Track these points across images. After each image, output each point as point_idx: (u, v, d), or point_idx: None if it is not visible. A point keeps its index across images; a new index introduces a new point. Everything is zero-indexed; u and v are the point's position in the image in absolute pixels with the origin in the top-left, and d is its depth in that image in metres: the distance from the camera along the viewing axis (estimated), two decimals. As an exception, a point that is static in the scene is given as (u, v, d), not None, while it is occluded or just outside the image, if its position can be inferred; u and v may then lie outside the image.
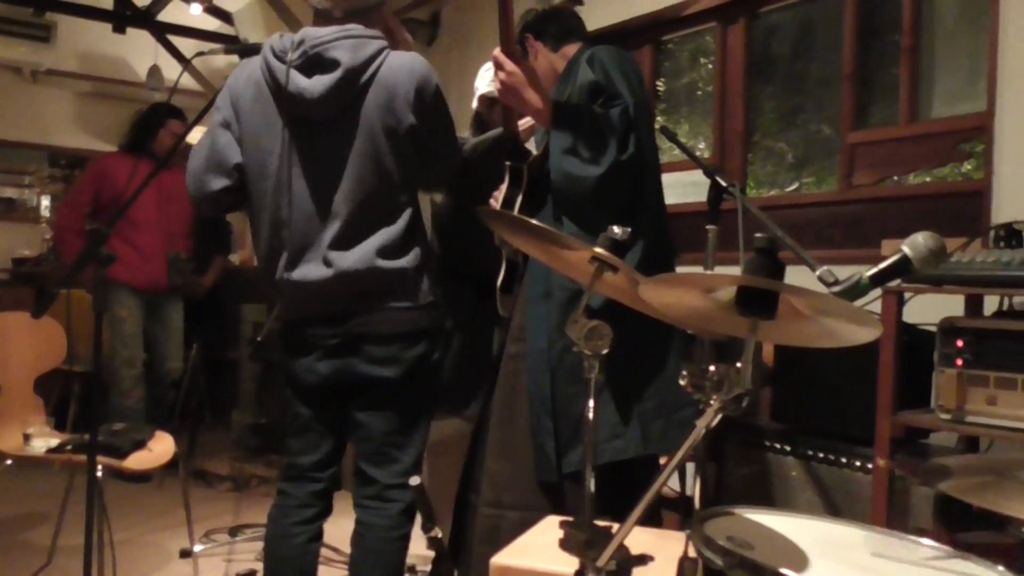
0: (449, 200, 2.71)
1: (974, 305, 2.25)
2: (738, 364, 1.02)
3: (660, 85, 3.96)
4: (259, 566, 2.10)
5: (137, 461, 2.75)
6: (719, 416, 1.02)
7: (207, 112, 2.11)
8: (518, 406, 2.06)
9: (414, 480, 1.54)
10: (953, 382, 1.99)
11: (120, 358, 4.11)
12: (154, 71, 5.95)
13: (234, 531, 3.40)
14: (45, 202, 6.64)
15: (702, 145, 3.77)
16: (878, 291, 1.96)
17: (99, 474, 2.19)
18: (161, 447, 2.84)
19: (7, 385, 2.97)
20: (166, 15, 5.72)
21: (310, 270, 1.92)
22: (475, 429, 2.25)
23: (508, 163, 2.25)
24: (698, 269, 1.67)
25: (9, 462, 2.75)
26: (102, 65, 6.38)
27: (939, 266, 1.60)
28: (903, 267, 1.34)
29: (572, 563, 1.21)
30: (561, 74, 2.18)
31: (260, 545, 2.11)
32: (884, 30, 3.09)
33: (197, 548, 3.10)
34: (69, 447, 2.68)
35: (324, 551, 3.06)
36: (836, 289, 1.37)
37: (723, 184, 1.84)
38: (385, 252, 1.92)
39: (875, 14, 3.13)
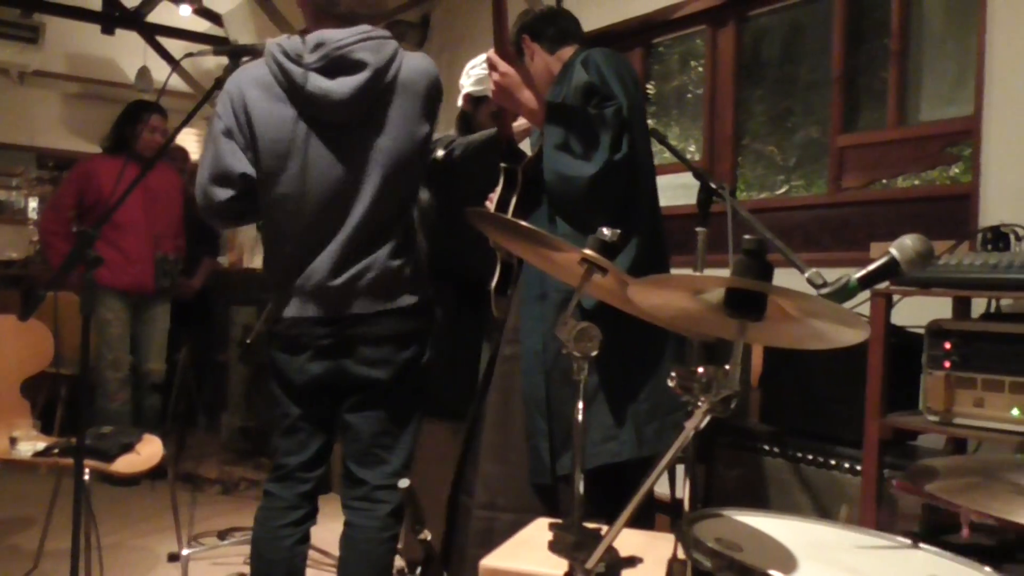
0: (436, 200, 2.71)
1: (962, 307, 2.26)
2: (726, 366, 1.03)
3: (650, 88, 3.97)
4: (248, 569, 2.08)
5: (125, 464, 2.73)
6: (708, 418, 1.02)
7: (195, 113, 2.10)
8: (513, 408, 2.06)
9: (403, 482, 1.54)
10: (941, 384, 2.00)
11: (105, 361, 4.08)
12: (143, 73, 5.93)
13: (223, 534, 3.38)
14: (33, 204, 6.61)
15: (692, 148, 3.78)
16: (867, 293, 1.97)
17: (86, 478, 2.18)
18: (149, 450, 2.83)
19: (-7, 388, 2.95)
20: (155, 16, 5.71)
21: (328, 270, 1.92)
22: (467, 430, 2.25)
23: (502, 164, 2.25)
24: (688, 271, 1.67)
25: (-5, 466, 2.73)
26: (90, 66, 6.36)
27: (927, 268, 1.61)
28: (891, 269, 1.35)
29: (561, 565, 1.21)
30: (556, 76, 2.18)
31: (249, 548, 2.09)
32: (873, 34, 3.10)
33: (185, 552, 3.08)
34: (56, 450, 2.66)
35: (312, 553, 3.04)
36: (824, 291, 1.37)
37: (713, 186, 1.85)
38: (394, 254, 1.97)
39: (864, 18, 3.14)
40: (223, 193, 1.93)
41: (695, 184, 1.90)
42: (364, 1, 1.97)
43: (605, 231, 1.27)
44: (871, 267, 1.34)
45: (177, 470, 4.15)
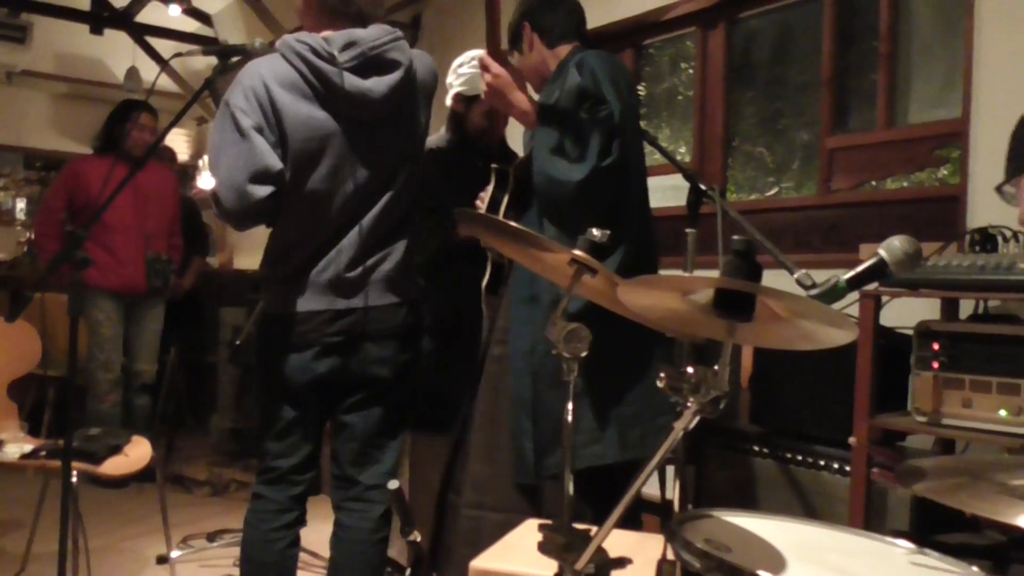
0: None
1: (950, 308, 2.27)
2: (716, 367, 1.03)
3: (641, 90, 3.97)
4: (237, 572, 2.07)
5: (113, 466, 2.71)
6: (696, 418, 1.02)
7: (185, 113, 2.09)
8: (501, 408, 2.07)
9: (393, 484, 1.54)
10: (929, 385, 2.01)
11: (96, 362, 4.06)
12: (132, 73, 5.91)
13: (212, 536, 3.37)
14: (20, 204, 6.57)
15: (683, 149, 3.79)
16: (856, 295, 1.97)
17: (74, 480, 2.16)
18: (138, 452, 2.81)
19: (-20, 390, 2.93)
20: (144, 16, 5.68)
21: (347, 263, 1.93)
22: (457, 430, 2.25)
23: (493, 165, 2.25)
24: (678, 272, 1.67)
25: (-18, 468, 2.71)
26: (79, 66, 6.32)
27: (915, 270, 1.61)
28: (880, 270, 1.35)
29: (551, 566, 1.21)
30: (552, 74, 2.17)
31: (238, 550, 2.08)
32: (862, 36, 3.12)
33: (174, 554, 3.07)
34: (43, 453, 2.64)
35: (303, 556, 3.03)
36: (814, 292, 1.38)
37: (702, 188, 1.85)
38: (406, 249, 2.02)
39: (853, 20, 3.15)
40: (263, 191, 1.85)
41: (685, 185, 1.90)
42: (374, 1, 1.98)
43: (595, 232, 1.27)
44: (860, 268, 1.35)
45: (166, 472, 4.13)
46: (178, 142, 6.79)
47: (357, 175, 1.94)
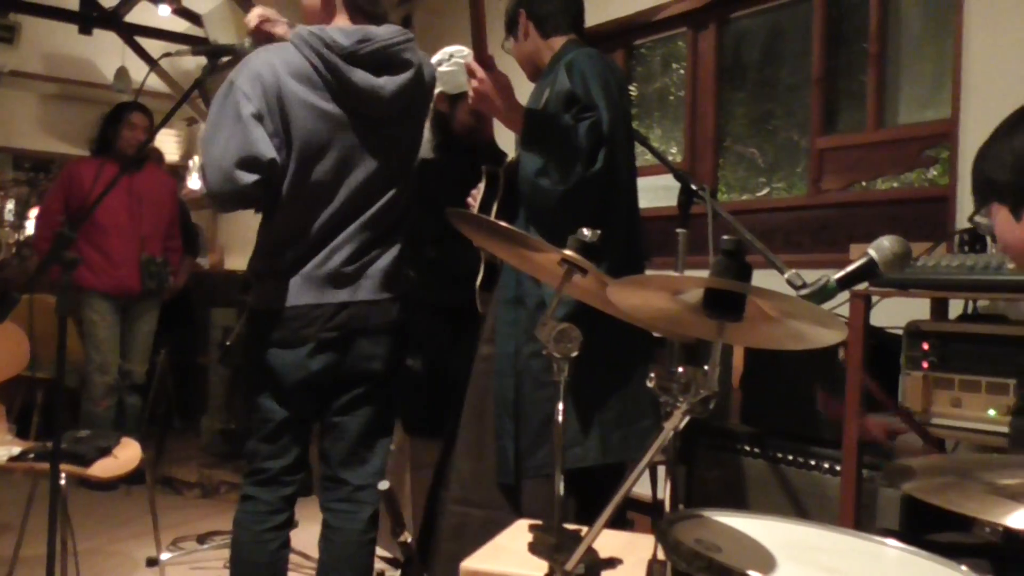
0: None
1: (939, 309, 2.28)
2: (706, 367, 1.03)
3: (632, 90, 3.98)
4: (227, 574, 2.06)
5: (102, 469, 2.69)
6: (686, 418, 1.02)
7: (175, 113, 2.08)
8: (487, 407, 2.07)
9: (383, 484, 1.53)
10: (919, 384, 2.02)
11: (93, 364, 4.06)
12: (121, 73, 5.88)
13: (202, 538, 3.35)
14: (9, 206, 6.53)
15: (674, 150, 3.80)
16: (846, 295, 1.98)
17: (62, 482, 2.15)
18: (127, 454, 2.79)
19: (-33, 392, 2.91)
20: (134, 16, 5.65)
21: (346, 257, 1.94)
22: (448, 427, 2.25)
23: (484, 167, 2.24)
24: (669, 272, 1.67)
25: (-31, 471, 2.69)
26: (68, 67, 6.29)
27: (905, 270, 1.62)
28: (869, 270, 1.36)
29: (541, 567, 1.20)
30: (544, 69, 2.16)
31: (229, 552, 2.06)
32: (852, 37, 3.13)
33: (164, 556, 3.05)
34: (31, 455, 2.62)
35: (293, 557, 3.02)
36: (804, 292, 1.38)
37: (693, 188, 1.85)
38: (401, 246, 2.04)
39: (843, 21, 3.17)
40: (249, 177, 1.84)
41: (676, 186, 1.90)
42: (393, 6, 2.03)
43: (585, 231, 1.26)
44: (850, 268, 1.35)
45: (156, 474, 4.11)
46: (168, 142, 6.77)
47: (362, 170, 1.95)
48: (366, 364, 1.98)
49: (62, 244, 1.90)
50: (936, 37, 2.87)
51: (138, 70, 5.88)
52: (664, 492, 1.40)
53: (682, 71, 3.76)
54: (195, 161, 5.79)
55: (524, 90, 2.18)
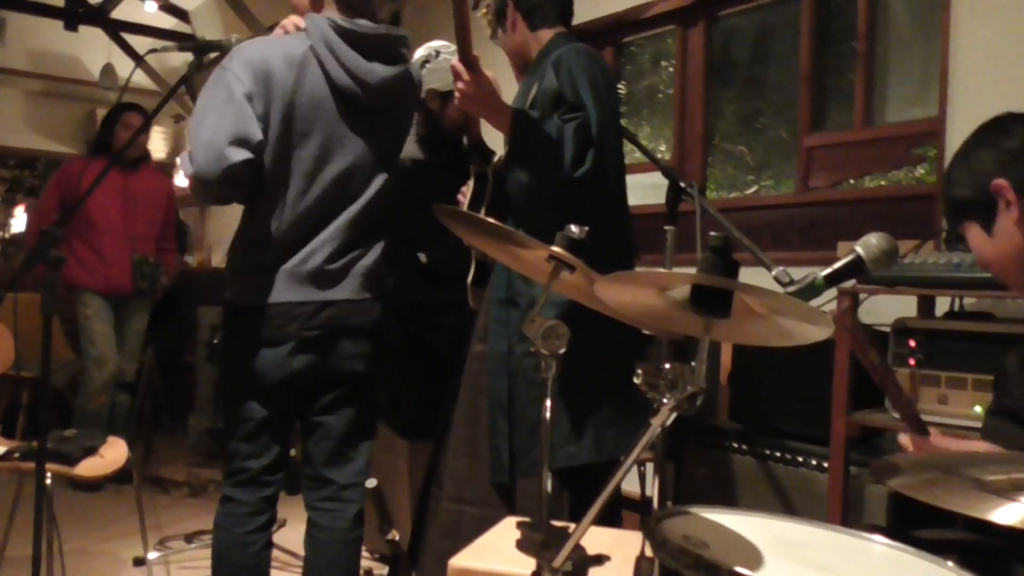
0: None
1: (926, 306, 2.29)
2: (693, 363, 1.03)
3: (621, 87, 3.98)
4: (215, 574, 2.05)
5: (88, 468, 2.67)
6: (673, 415, 1.02)
7: (161, 109, 2.07)
8: (480, 405, 2.07)
9: (371, 482, 1.53)
10: (906, 381, 2.03)
11: (90, 358, 4.04)
12: (108, 70, 5.83)
13: (190, 537, 3.34)
14: (-7, 203, 6.48)
15: (663, 148, 3.80)
16: (834, 292, 1.98)
17: (48, 482, 2.13)
18: (113, 453, 2.77)
19: (-49, 391, 2.88)
20: (120, 12, 5.61)
21: (329, 254, 1.92)
22: (440, 423, 2.25)
23: (473, 166, 2.24)
24: (657, 269, 1.67)
25: (-47, 470, 2.66)
26: (53, 63, 6.24)
27: (892, 267, 1.62)
28: (856, 267, 1.36)
29: (529, 564, 1.20)
30: (532, 63, 2.16)
31: (216, 552, 2.05)
32: (840, 36, 3.14)
33: (152, 556, 3.04)
34: (16, 454, 2.60)
35: (283, 556, 3.01)
36: (791, 289, 1.38)
37: (681, 185, 1.85)
38: (384, 246, 2.02)
39: (831, 20, 3.17)
40: (240, 154, 1.80)
41: (665, 183, 1.90)
42: (383, 5, 2.03)
43: (573, 228, 1.26)
44: (837, 265, 1.35)
45: (144, 473, 4.09)
46: (155, 140, 6.72)
47: (343, 161, 1.93)
48: (348, 364, 1.96)
49: (47, 242, 1.88)
50: (924, 36, 2.88)
51: (124, 67, 5.84)
52: (652, 489, 1.40)
53: (671, 69, 3.76)
54: (180, 158, 5.76)
55: (514, 89, 2.18)
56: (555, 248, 1.24)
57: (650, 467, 2.37)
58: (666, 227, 1.79)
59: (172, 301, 4.90)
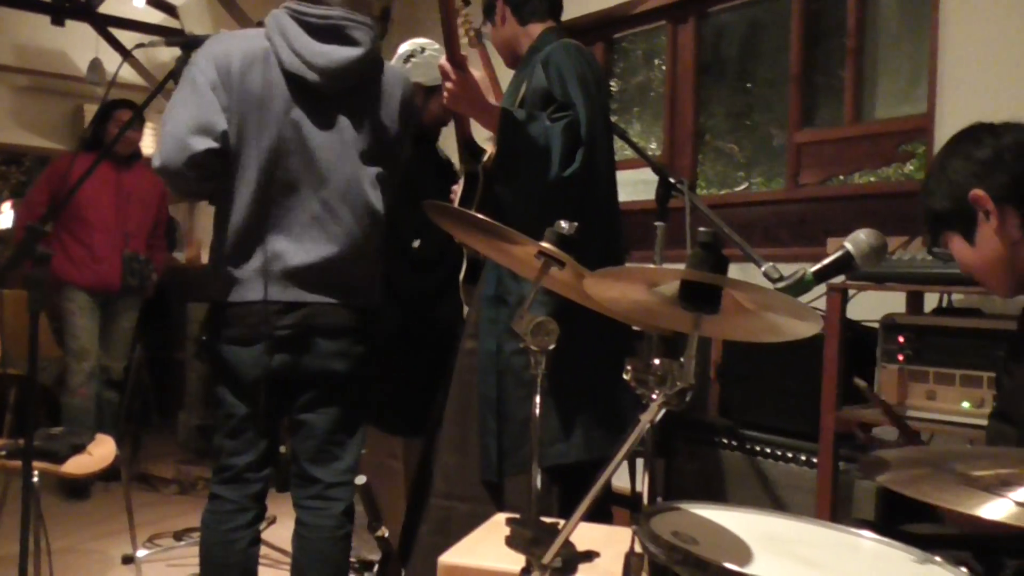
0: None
1: (915, 302, 2.30)
2: (682, 359, 1.02)
3: (613, 84, 3.98)
4: (203, 571, 2.04)
5: (76, 466, 2.66)
6: (663, 411, 1.02)
7: (148, 104, 2.06)
8: (470, 402, 2.07)
9: (360, 479, 1.52)
10: (895, 377, 2.03)
11: (71, 352, 4.02)
12: (95, 65, 5.78)
13: (179, 535, 3.33)
14: (-20, 199, 6.43)
15: (653, 144, 3.80)
16: (823, 288, 1.99)
17: (35, 480, 2.12)
18: (101, 451, 2.76)
19: (-63, 388, 2.86)
20: (108, 7, 5.57)
21: (299, 252, 1.89)
22: (431, 420, 2.24)
23: (463, 164, 2.23)
24: (647, 265, 1.67)
25: (-61, 468, 2.64)
26: (40, 58, 6.18)
27: (881, 263, 1.63)
28: (845, 263, 1.36)
29: (519, 560, 1.20)
30: (521, 59, 2.14)
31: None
32: (830, 32, 3.14)
33: (140, 553, 3.03)
34: (3, 452, 2.58)
35: (273, 554, 3.01)
36: (780, 284, 1.39)
37: (672, 181, 1.85)
38: (367, 238, 1.96)
39: (821, 16, 3.18)
40: (203, 143, 1.82)
41: (655, 179, 1.90)
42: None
43: (563, 224, 1.26)
44: (826, 261, 1.36)
45: (132, 470, 4.07)
46: (147, 138, 6.67)
47: (306, 152, 1.89)
48: (327, 363, 1.93)
49: (33, 238, 1.87)
50: (913, 33, 2.89)
51: (112, 62, 5.79)
52: (642, 485, 1.40)
53: (663, 67, 3.76)
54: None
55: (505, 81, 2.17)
56: (544, 244, 1.24)
57: (640, 463, 2.37)
58: (656, 223, 1.78)
59: (161, 298, 4.88)
